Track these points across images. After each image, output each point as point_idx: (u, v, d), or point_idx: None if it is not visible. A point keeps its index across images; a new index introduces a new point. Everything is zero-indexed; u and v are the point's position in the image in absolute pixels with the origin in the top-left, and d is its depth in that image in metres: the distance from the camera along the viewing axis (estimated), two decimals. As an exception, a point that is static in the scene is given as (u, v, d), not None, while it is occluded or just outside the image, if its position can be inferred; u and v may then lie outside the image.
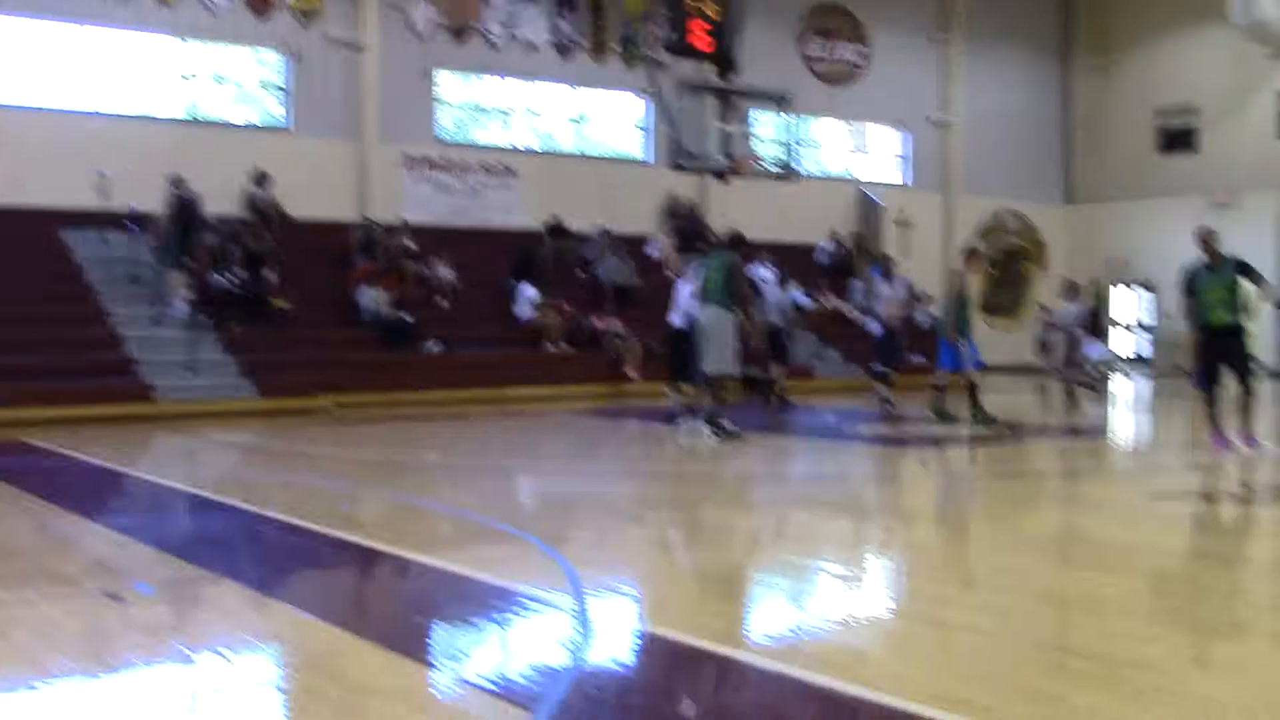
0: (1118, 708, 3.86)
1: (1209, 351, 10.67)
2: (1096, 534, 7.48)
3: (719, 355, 11.88)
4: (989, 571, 6.36)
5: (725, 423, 11.97)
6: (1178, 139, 30.53)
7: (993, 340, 27.37)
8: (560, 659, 4.46)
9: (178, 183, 17.05)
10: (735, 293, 12.04)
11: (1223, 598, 5.78)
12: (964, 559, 6.91)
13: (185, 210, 17.09)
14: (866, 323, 21.04)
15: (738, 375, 12.43)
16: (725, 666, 4.46)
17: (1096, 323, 29.88)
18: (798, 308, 19.38)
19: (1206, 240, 10.62)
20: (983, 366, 14.64)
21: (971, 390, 13.92)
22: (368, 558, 6.64)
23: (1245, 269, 10.62)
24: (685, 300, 13.24)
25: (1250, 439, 10.61)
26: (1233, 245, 10.76)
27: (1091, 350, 27.10)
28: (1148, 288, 30.96)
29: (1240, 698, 4.06)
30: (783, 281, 17.91)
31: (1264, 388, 11.44)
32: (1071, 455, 12.55)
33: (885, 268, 17.23)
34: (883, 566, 6.66)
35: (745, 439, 11.95)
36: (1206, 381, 10.71)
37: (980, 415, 13.73)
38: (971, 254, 15.41)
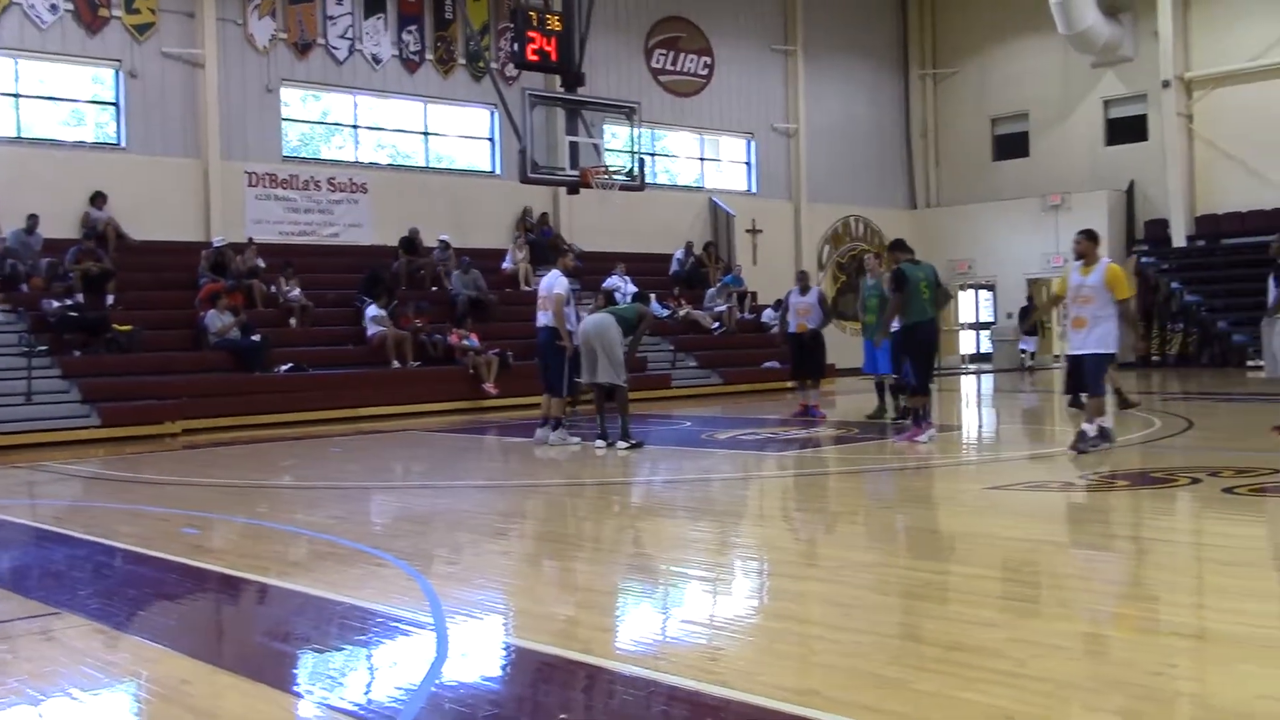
0: (960, 691, 4.02)
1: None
2: (942, 526, 7.77)
3: (612, 367, 12.39)
4: (839, 566, 6.53)
5: (632, 431, 12.62)
6: (1011, 145, 31.81)
7: (843, 344, 28.09)
8: (419, 677, 4.44)
9: None
10: (636, 328, 12.91)
11: (1059, 582, 6.05)
12: (817, 556, 7.08)
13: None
14: (715, 329, 21.26)
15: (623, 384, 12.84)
16: (586, 674, 4.51)
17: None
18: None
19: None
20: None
21: (894, 390, 14.70)
22: (220, 584, 6.49)
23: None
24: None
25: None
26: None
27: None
28: (988, 287, 32.11)
29: (1077, 677, 4.27)
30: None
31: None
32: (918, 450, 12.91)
33: (801, 279, 16.40)
34: (739, 567, 6.78)
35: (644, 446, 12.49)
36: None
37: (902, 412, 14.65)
38: (884, 252, 15.59)
